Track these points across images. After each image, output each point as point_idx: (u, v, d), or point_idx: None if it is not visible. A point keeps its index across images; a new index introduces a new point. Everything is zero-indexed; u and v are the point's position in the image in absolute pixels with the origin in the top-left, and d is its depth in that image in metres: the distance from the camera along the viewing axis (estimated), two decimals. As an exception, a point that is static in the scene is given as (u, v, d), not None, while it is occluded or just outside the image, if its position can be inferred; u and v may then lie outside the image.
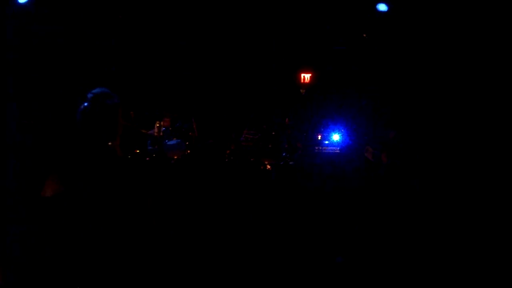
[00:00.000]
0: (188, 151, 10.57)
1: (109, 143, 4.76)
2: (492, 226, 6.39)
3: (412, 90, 9.62)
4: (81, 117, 4.10)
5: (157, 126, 10.64)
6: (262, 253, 5.73)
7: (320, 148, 10.46)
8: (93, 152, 4.23)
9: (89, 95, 4.11)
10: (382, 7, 10.64)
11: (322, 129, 10.99)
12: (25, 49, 9.47)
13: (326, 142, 10.58)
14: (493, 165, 7.68)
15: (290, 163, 10.64)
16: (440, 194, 7.12)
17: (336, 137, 10.39)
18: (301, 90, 13.63)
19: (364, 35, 11.67)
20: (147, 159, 10.10)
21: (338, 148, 10.02)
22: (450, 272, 5.13)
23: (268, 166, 10.41)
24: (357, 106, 10.90)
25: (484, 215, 6.66)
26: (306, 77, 13.62)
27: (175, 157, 10.13)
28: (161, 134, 10.45)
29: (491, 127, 8.19)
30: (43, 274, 3.78)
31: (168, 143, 10.37)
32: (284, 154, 10.89)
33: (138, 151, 10.46)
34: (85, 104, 4.05)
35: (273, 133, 11.69)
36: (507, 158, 7.66)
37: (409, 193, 6.81)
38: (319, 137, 10.86)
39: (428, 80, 9.47)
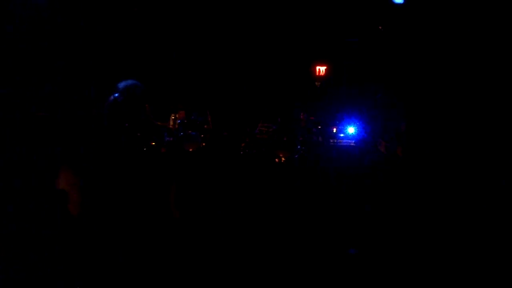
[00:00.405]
0: (203, 144, 10.60)
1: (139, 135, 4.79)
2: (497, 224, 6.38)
3: (427, 84, 9.57)
4: (112, 108, 4.11)
5: (172, 119, 10.68)
6: (275, 245, 5.75)
7: (335, 141, 10.46)
8: (124, 143, 4.24)
9: (121, 86, 4.11)
10: (398, -1, 10.59)
11: (337, 122, 10.99)
12: (46, 38, 9.53)
13: (341, 135, 10.58)
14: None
15: (305, 156, 10.64)
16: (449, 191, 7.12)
17: (351, 130, 10.38)
18: (316, 83, 13.61)
19: (380, 28, 11.62)
20: (163, 150, 10.14)
21: (353, 141, 10.01)
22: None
23: (283, 159, 10.42)
24: (372, 99, 10.87)
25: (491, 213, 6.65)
26: (321, 69, 13.60)
27: (190, 150, 10.16)
28: (176, 126, 10.49)
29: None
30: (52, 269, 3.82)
31: (184, 135, 10.40)
32: (299, 147, 10.89)
33: (153, 143, 10.50)
34: (116, 95, 4.04)
35: (288, 125, 11.69)
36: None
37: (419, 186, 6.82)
38: (334, 130, 10.86)
39: (442, 74, 9.41)
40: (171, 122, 10.66)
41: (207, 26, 12.54)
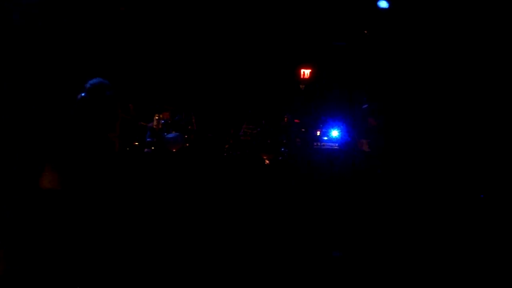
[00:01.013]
0: (187, 145, 10.57)
1: (109, 135, 4.74)
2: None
3: (410, 87, 9.63)
4: (79, 108, 4.07)
5: (156, 119, 10.64)
6: (260, 247, 5.73)
7: (319, 144, 10.47)
8: (92, 143, 4.20)
9: (87, 85, 4.07)
10: (383, 3, 10.63)
11: (321, 125, 11.01)
12: (22, 38, 9.43)
13: (325, 138, 10.59)
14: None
15: (289, 158, 10.65)
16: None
17: (335, 133, 10.40)
18: (300, 86, 13.62)
19: (366, 32, 11.66)
20: (146, 150, 10.11)
21: (337, 144, 10.03)
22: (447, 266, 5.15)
23: (267, 161, 10.42)
24: (356, 102, 10.91)
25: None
26: (306, 72, 13.61)
27: (174, 150, 10.14)
28: (160, 126, 10.45)
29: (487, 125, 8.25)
30: (42, 268, 3.77)
31: (167, 136, 10.37)
32: (282, 149, 10.90)
33: (137, 143, 10.45)
34: (83, 94, 4.00)
35: (272, 128, 11.69)
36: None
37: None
38: (318, 133, 10.87)
39: (425, 77, 9.49)
40: (155, 122, 10.62)
41: (193, 28, 12.50)
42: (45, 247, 3.77)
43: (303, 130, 11.42)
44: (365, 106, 7.80)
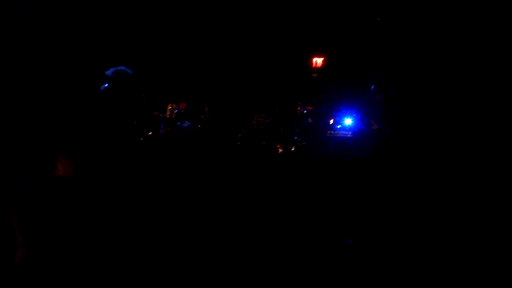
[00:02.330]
0: (200, 134, 10.62)
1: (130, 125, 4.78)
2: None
3: (420, 76, 9.61)
4: (103, 99, 4.07)
5: (169, 109, 10.70)
6: (272, 235, 5.77)
7: (332, 132, 10.46)
8: (116, 134, 4.22)
9: (109, 75, 4.07)
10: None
11: (334, 114, 11.00)
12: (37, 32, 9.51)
13: (338, 126, 10.59)
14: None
15: (302, 147, 10.66)
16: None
17: (348, 121, 10.39)
18: (313, 74, 13.62)
19: (378, 19, 11.63)
20: (161, 131, 10.20)
21: (350, 133, 10.02)
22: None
23: (280, 150, 10.44)
24: (368, 90, 10.89)
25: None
26: (318, 61, 13.60)
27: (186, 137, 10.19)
28: (174, 116, 10.50)
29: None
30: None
31: (181, 125, 10.42)
32: (296, 138, 10.91)
33: (150, 133, 10.52)
34: (106, 85, 4.01)
35: (285, 116, 11.71)
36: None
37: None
38: (331, 121, 10.87)
39: (434, 67, 9.47)
40: (168, 112, 10.68)
41: (206, 18, 12.51)
42: (57, 236, 3.82)
43: (310, 121, 11.40)
44: (373, 87, 7.76)
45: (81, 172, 3.81)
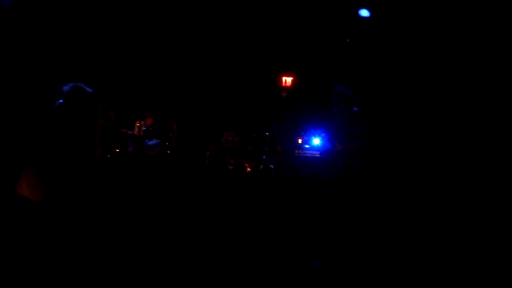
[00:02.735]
0: (168, 152, 10.53)
1: (89, 142, 4.69)
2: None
3: (389, 94, 9.72)
4: (58, 114, 4.02)
5: (138, 126, 10.59)
6: (240, 256, 5.71)
7: (301, 152, 10.48)
8: (72, 150, 4.15)
9: (65, 90, 4.01)
10: (364, 12, 10.71)
11: (303, 133, 11.03)
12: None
13: (307, 146, 10.62)
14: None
15: (270, 166, 10.65)
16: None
17: (316, 141, 10.42)
18: (282, 93, 13.65)
19: (347, 40, 11.73)
20: (129, 149, 10.11)
21: (319, 152, 10.04)
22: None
23: (248, 169, 10.42)
24: (336, 110, 10.95)
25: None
26: (287, 80, 13.65)
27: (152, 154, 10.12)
28: (142, 133, 10.40)
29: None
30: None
31: (148, 143, 10.32)
32: (264, 157, 10.90)
33: (118, 150, 10.40)
34: (61, 100, 3.95)
35: (254, 135, 11.69)
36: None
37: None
38: (300, 141, 10.89)
39: (406, 82, 9.59)
40: (137, 130, 10.57)
41: (174, 35, 12.48)
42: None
43: (284, 138, 11.42)
44: (339, 89, 7.78)
45: (47, 193, 3.73)
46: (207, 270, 5.25)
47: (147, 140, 10.39)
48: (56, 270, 3.90)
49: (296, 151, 10.54)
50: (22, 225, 3.82)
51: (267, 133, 11.54)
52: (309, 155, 10.31)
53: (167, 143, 10.63)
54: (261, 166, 10.60)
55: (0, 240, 3.75)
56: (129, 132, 10.58)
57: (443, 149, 8.51)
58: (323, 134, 10.05)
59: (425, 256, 5.67)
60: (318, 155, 9.88)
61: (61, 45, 10.53)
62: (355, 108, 7.62)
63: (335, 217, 6.87)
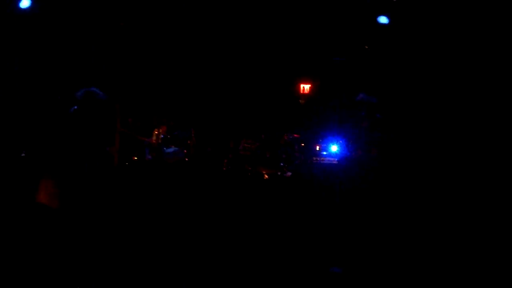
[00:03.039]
0: (186, 159, 10.55)
1: (108, 149, 4.70)
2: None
3: (410, 100, 9.65)
4: (73, 120, 4.02)
5: (156, 134, 10.64)
6: (256, 262, 5.69)
7: (318, 159, 10.44)
8: (89, 157, 4.15)
9: (77, 96, 4.01)
10: (383, 19, 10.65)
11: (321, 140, 10.99)
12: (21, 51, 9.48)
13: (324, 153, 10.57)
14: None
15: (288, 173, 10.62)
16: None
17: (334, 148, 10.37)
18: (300, 101, 13.62)
19: (366, 47, 11.68)
20: (147, 158, 10.15)
21: (336, 159, 10.00)
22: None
23: (266, 176, 10.39)
24: (356, 117, 10.89)
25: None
26: (305, 87, 13.62)
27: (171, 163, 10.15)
28: (160, 141, 10.44)
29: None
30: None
31: (166, 150, 10.36)
32: (282, 164, 10.87)
33: (136, 158, 10.44)
34: (75, 107, 3.95)
35: (271, 143, 11.68)
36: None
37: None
38: (317, 148, 10.85)
39: (425, 90, 9.52)
40: (154, 137, 10.62)
41: (193, 43, 12.52)
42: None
43: (302, 145, 11.40)
44: (364, 113, 7.76)
45: (65, 201, 3.74)
46: (226, 273, 5.24)
47: (165, 148, 10.43)
48: (74, 274, 3.91)
49: (314, 158, 10.50)
50: (42, 232, 3.84)
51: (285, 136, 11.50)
52: (327, 162, 10.26)
53: (185, 151, 10.66)
54: (279, 173, 10.56)
55: (20, 245, 3.77)
56: (147, 139, 10.63)
57: (468, 158, 8.42)
58: (340, 141, 10.01)
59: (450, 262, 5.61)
60: (335, 162, 9.83)
61: (81, 53, 10.62)
62: (377, 115, 7.60)
63: (353, 223, 6.82)
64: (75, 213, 4.01)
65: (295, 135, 11.63)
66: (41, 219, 3.83)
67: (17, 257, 3.71)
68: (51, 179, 3.84)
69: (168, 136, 10.82)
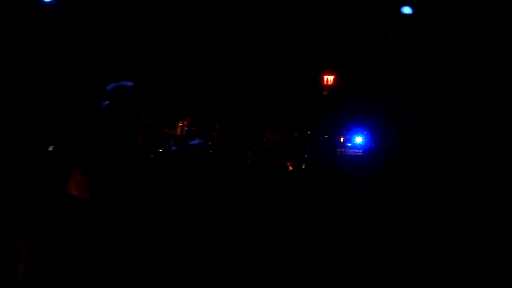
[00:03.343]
0: (211, 151, 10.59)
1: (138, 141, 4.77)
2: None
3: (434, 91, 9.58)
4: (105, 113, 4.08)
5: (180, 126, 10.69)
6: (275, 251, 5.71)
7: (343, 150, 10.43)
8: (121, 149, 4.21)
9: (108, 90, 4.07)
10: (406, 9, 10.59)
11: (345, 132, 10.97)
12: (47, 47, 9.58)
13: (349, 144, 10.55)
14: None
15: (312, 165, 10.62)
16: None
17: (358, 139, 10.35)
18: (323, 92, 13.59)
19: (390, 37, 11.61)
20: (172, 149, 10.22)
21: (361, 151, 9.97)
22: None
23: (290, 167, 10.40)
24: (381, 108, 10.85)
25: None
26: (329, 79, 13.58)
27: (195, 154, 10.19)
28: (184, 133, 10.49)
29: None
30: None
31: (191, 142, 10.40)
32: (306, 156, 10.87)
33: (160, 150, 10.51)
34: (107, 102, 4.01)
35: (296, 134, 11.67)
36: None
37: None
38: (342, 139, 10.84)
39: (448, 81, 9.44)
40: (179, 130, 10.67)
41: (219, 37, 12.55)
42: (63, 250, 3.79)
43: (326, 137, 11.39)
44: (388, 104, 7.73)
45: (97, 195, 3.79)
46: (257, 264, 5.28)
47: (189, 140, 10.48)
48: (105, 267, 3.97)
49: (339, 150, 10.48)
50: (73, 224, 3.89)
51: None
52: (352, 153, 10.25)
53: (209, 143, 10.70)
54: (303, 165, 10.57)
55: (51, 238, 3.83)
56: (171, 132, 10.69)
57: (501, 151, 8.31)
58: (365, 133, 9.98)
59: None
60: (360, 153, 9.81)
61: (106, 48, 10.72)
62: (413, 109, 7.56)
63: (378, 215, 6.81)
64: (105, 204, 4.07)
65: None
66: (72, 210, 3.88)
67: (50, 249, 3.77)
68: (82, 171, 3.89)
69: (193, 128, 10.85)
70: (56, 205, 3.73)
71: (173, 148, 10.65)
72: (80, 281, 3.85)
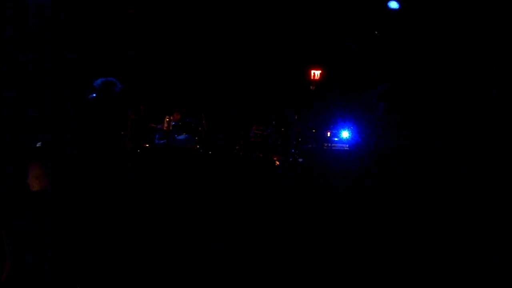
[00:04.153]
0: (197, 146, 10.58)
1: (122, 136, 4.75)
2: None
3: (421, 88, 9.59)
4: (91, 108, 4.08)
5: (167, 121, 10.67)
6: (262, 249, 5.72)
7: (329, 145, 10.46)
8: (105, 143, 4.20)
9: (97, 85, 4.07)
10: (393, 4, 10.61)
11: (332, 126, 11.00)
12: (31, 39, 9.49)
13: (335, 139, 10.59)
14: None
15: (299, 159, 10.64)
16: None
17: (345, 134, 10.38)
18: (311, 87, 13.61)
19: (376, 33, 11.63)
20: (157, 142, 10.20)
21: (347, 145, 10.00)
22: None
23: (277, 162, 10.42)
24: (367, 103, 10.86)
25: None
26: (316, 73, 13.60)
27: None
28: (171, 128, 10.47)
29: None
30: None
31: (177, 137, 10.39)
32: (293, 151, 10.89)
33: (147, 145, 10.49)
34: (94, 94, 4.01)
35: (282, 129, 11.69)
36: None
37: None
38: (328, 134, 10.87)
39: (436, 77, 9.45)
40: (165, 124, 10.65)
41: (203, 31, 12.52)
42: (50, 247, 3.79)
43: (313, 131, 11.41)
44: (375, 100, 7.70)
45: (80, 184, 3.79)
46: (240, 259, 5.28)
47: (176, 135, 10.47)
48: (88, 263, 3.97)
49: (325, 144, 10.51)
50: (56, 217, 3.89)
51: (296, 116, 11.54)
52: (338, 147, 10.28)
53: (196, 138, 10.69)
54: (290, 159, 10.59)
55: (32, 233, 3.82)
56: (158, 126, 10.67)
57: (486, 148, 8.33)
58: (351, 127, 10.01)
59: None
60: (347, 148, 9.84)
61: (93, 42, 10.65)
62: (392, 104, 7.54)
63: (365, 211, 6.82)
64: (91, 197, 4.06)
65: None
66: (32, 200, 3.87)
67: (34, 245, 3.77)
68: (39, 163, 3.88)
69: (180, 123, 10.84)
70: (20, 196, 3.73)
71: (159, 142, 10.63)
72: (76, 280, 3.86)
